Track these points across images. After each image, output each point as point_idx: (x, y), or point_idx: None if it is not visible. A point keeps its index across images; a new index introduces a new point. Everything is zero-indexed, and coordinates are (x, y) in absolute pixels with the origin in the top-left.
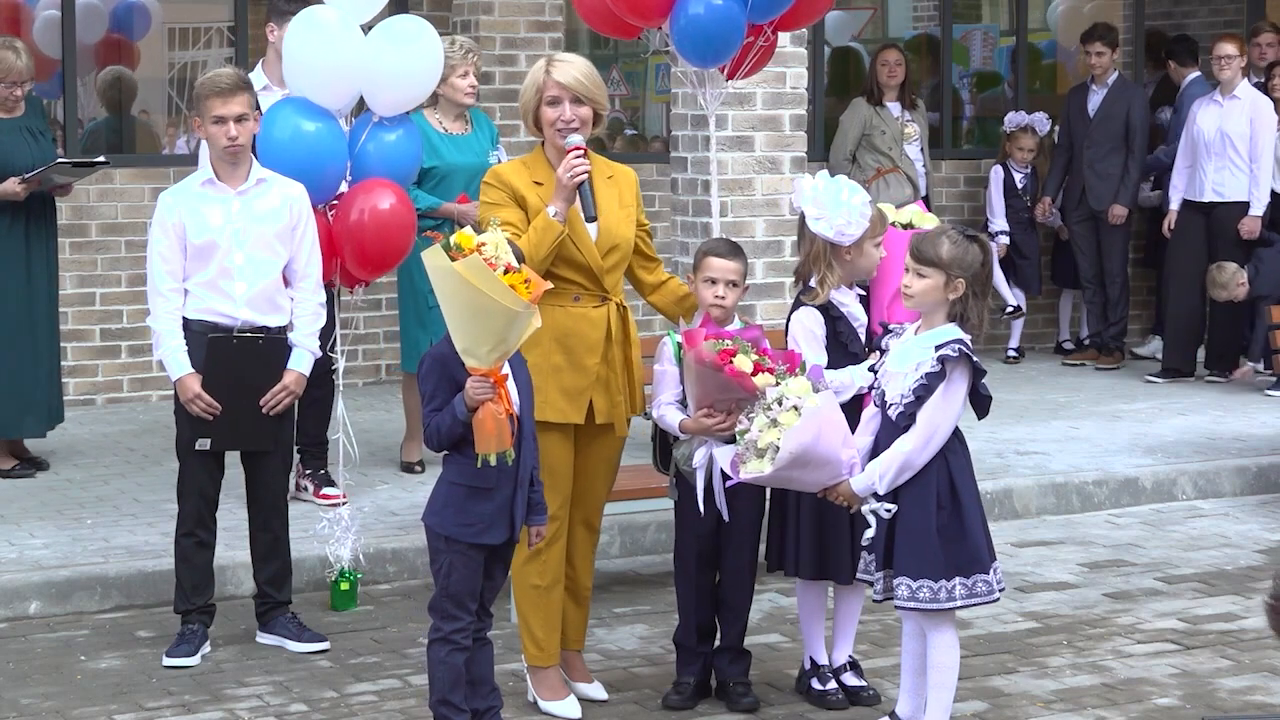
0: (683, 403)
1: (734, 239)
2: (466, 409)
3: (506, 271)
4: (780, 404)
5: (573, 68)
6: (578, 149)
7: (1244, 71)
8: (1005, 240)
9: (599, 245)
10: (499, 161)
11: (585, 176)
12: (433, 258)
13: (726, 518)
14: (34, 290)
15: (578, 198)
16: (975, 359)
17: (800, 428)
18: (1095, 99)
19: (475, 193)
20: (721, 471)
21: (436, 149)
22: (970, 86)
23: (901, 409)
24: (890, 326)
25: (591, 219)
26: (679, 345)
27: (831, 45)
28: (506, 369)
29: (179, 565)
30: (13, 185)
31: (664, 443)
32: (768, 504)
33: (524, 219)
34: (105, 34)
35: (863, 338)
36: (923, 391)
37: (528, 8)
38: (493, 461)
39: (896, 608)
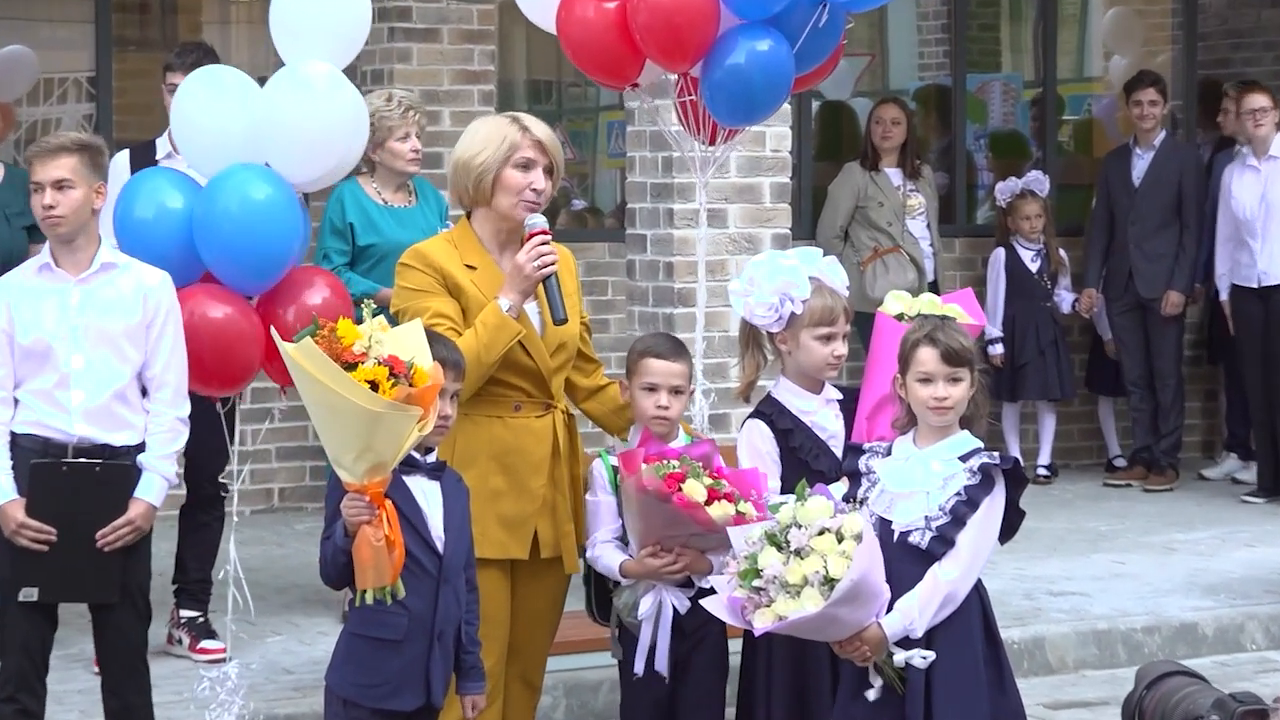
0: (623, 539)
1: (706, 333)
2: (345, 534)
3: (387, 365)
4: (798, 530)
5: (546, 128)
6: (544, 232)
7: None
8: (999, 350)
9: (545, 343)
10: None
11: (554, 268)
12: (279, 340)
13: (665, 675)
14: None
15: (539, 292)
16: (1021, 467)
17: (863, 551)
18: (1140, 164)
19: None
20: (673, 621)
21: (375, 224)
22: (987, 148)
23: (934, 534)
24: (864, 446)
25: (561, 321)
26: (614, 470)
27: (824, 97)
28: (465, 483)
29: None
30: None
31: (601, 587)
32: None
33: (459, 311)
34: None
35: (838, 452)
36: (963, 510)
37: (452, 55)
38: (369, 600)
39: None
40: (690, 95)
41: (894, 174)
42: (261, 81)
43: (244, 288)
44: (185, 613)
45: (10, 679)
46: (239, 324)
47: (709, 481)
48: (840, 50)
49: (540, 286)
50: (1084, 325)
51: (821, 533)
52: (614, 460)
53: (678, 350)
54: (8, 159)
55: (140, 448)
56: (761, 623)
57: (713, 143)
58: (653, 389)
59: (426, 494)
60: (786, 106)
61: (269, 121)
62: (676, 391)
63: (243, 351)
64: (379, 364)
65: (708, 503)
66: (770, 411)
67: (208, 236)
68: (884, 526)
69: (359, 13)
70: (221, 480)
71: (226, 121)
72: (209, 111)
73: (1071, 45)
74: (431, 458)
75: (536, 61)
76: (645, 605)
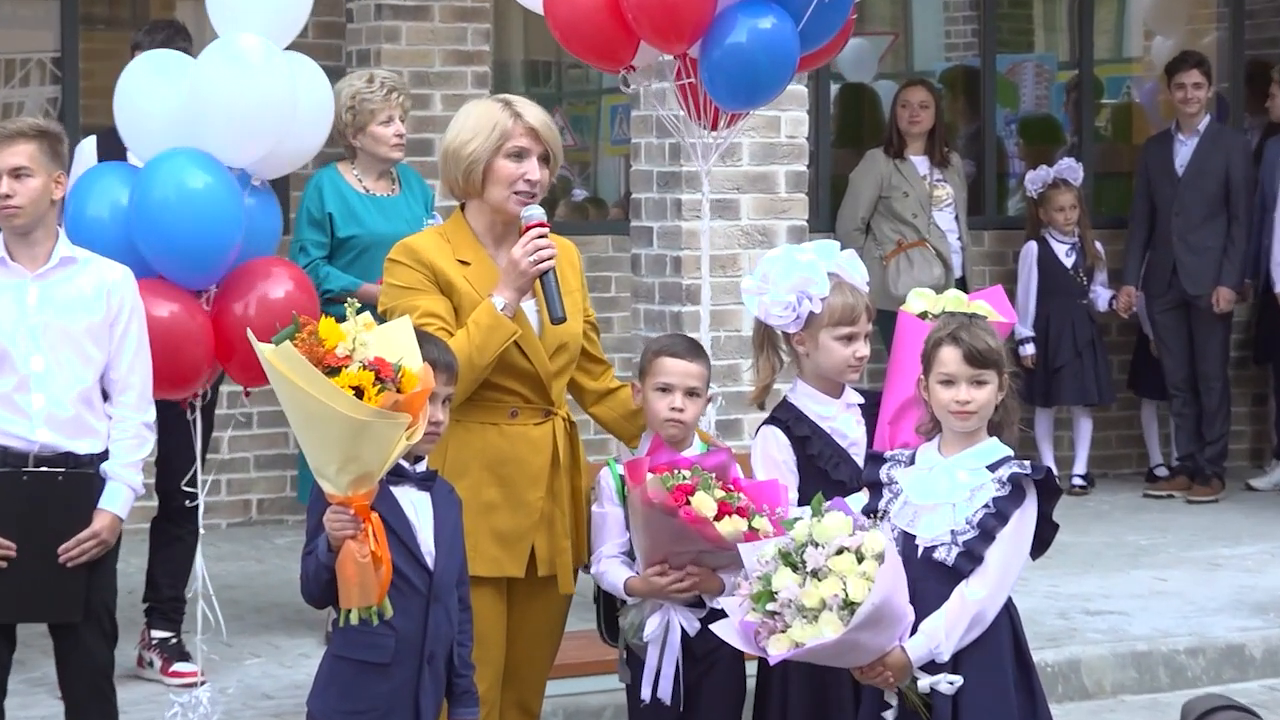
0: (631, 554)
1: (713, 332)
2: (329, 549)
3: (373, 369)
4: (815, 548)
5: (541, 112)
6: (541, 224)
7: None
8: (1030, 351)
9: (544, 344)
10: None
11: (552, 263)
12: (255, 342)
13: (681, 707)
14: None
15: (537, 290)
16: (1055, 477)
17: (885, 573)
18: (1184, 151)
19: None
20: (682, 643)
21: (356, 214)
22: (1018, 135)
23: (961, 549)
24: (886, 455)
25: (559, 320)
26: (622, 479)
27: (844, 79)
28: (429, 500)
29: None
30: None
31: (611, 606)
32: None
33: (451, 310)
34: None
35: (859, 460)
36: (991, 523)
37: (444, 34)
38: (355, 620)
39: None
40: (689, 78)
41: (920, 162)
42: None
43: (187, 281)
44: (157, 633)
45: None
46: (185, 323)
47: (721, 494)
48: (849, 27)
49: (537, 283)
50: (1123, 324)
51: (840, 552)
52: (622, 469)
53: (695, 351)
54: None
55: (104, 456)
56: (777, 650)
57: (715, 128)
58: (667, 390)
59: (416, 506)
60: (803, 90)
61: (199, 99)
62: (692, 394)
63: (190, 352)
64: (364, 368)
65: (718, 517)
66: (787, 417)
67: (143, 227)
68: (907, 541)
69: None
70: (186, 488)
71: (163, 104)
72: (150, 94)
73: (1110, 23)
74: (421, 467)
75: (534, 41)
76: (652, 626)
